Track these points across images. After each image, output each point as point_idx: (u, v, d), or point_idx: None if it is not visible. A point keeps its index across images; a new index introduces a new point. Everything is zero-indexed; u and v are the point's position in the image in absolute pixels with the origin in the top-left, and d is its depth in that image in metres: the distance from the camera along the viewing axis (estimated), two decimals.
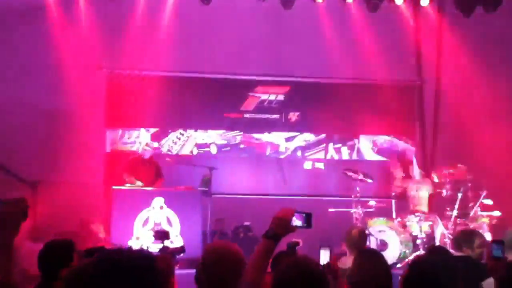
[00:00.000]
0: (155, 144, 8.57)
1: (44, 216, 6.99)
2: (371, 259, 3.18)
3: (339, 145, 9.22)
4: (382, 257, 3.31)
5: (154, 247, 6.07)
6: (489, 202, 7.42)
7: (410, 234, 7.29)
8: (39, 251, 3.26)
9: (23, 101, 8.39)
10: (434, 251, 4.18)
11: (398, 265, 7.00)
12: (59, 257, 3.15)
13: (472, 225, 7.12)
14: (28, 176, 7.26)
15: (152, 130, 8.91)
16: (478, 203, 7.45)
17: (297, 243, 3.37)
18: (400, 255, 7.05)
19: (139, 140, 8.83)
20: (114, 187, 7.09)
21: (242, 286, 2.38)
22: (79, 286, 1.59)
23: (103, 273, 1.57)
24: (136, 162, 7.53)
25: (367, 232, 6.98)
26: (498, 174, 8.07)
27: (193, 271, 2.80)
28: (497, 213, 7.39)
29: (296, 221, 2.27)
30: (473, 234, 4.56)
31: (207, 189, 7.27)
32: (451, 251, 6.14)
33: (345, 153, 9.22)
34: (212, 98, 8.99)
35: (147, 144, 7.96)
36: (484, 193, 7.43)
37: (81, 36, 8.47)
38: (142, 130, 8.88)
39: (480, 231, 6.96)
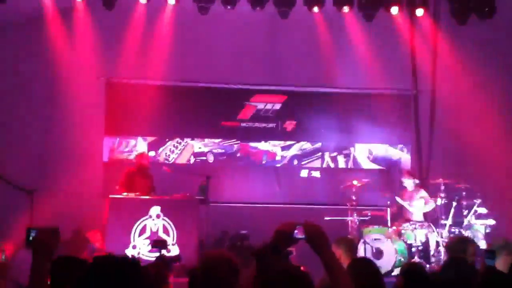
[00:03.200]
0: (152, 153, 8.62)
1: (41, 225, 7.01)
2: (364, 267, 3.23)
3: (335, 154, 9.27)
4: (374, 265, 3.36)
5: (151, 256, 6.11)
6: (483, 210, 7.47)
7: (405, 243, 7.33)
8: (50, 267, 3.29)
9: (22, 110, 8.45)
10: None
11: (394, 273, 7.04)
12: (69, 274, 3.18)
13: (466, 234, 7.17)
14: (25, 184, 7.27)
15: (150, 138, 8.96)
16: (472, 212, 7.51)
17: (290, 252, 3.42)
18: (395, 263, 7.08)
19: (136, 148, 8.88)
20: (111, 196, 7.11)
21: None
22: None
23: (96, 280, 1.74)
24: (132, 174, 7.52)
25: (362, 240, 7.05)
26: (492, 182, 8.13)
27: None
28: (491, 222, 7.44)
29: (298, 234, 2.30)
30: (466, 241, 4.59)
31: (203, 197, 7.29)
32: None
33: (341, 162, 9.28)
34: (209, 107, 9.05)
35: (143, 156, 7.92)
36: (478, 202, 7.48)
37: (79, 45, 8.54)
38: (140, 139, 8.93)
39: (475, 239, 7.02)
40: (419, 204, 7.76)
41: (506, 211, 7.88)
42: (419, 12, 8.51)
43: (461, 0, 8.22)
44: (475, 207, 7.48)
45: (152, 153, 8.86)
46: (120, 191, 7.23)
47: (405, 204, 7.74)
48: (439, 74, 9.17)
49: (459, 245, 4.49)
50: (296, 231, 2.29)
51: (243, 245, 7.58)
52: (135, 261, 1.93)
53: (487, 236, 7.34)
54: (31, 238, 2.41)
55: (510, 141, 8.59)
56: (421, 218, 7.73)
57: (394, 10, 8.34)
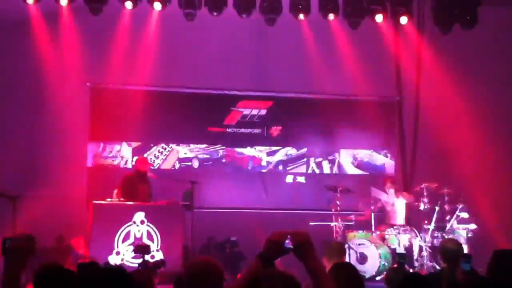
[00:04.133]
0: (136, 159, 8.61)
1: (24, 231, 6.93)
2: (344, 271, 3.25)
3: (320, 159, 9.33)
4: (355, 269, 3.40)
5: (134, 262, 6.08)
6: (465, 215, 7.59)
7: (389, 247, 7.40)
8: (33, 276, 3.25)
9: (5, 115, 8.38)
10: None
11: (378, 278, 7.09)
12: (52, 282, 3.16)
13: (449, 238, 7.25)
14: (8, 190, 7.20)
15: (134, 144, 8.92)
16: (454, 216, 7.61)
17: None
18: (379, 268, 7.14)
19: (121, 154, 8.84)
20: (95, 201, 7.06)
21: None
22: None
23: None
24: (133, 178, 7.48)
25: (346, 245, 7.10)
26: (474, 187, 8.25)
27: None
28: (473, 226, 7.55)
29: (289, 244, 2.26)
30: (461, 245, 4.59)
31: (188, 203, 7.28)
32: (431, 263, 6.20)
33: (326, 167, 9.34)
34: (195, 113, 9.05)
35: (143, 161, 7.91)
36: (460, 206, 7.59)
37: (64, 50, 8.50)
38: (124, 144, 8.89)
39: None
40: (401, 203, 7.84)
41: (488, 216, 8.01)
42: (403, 20, 8.62)
43: (445, 9, 8.35)
44: (457, 212, 7.59)
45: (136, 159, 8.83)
46: (118, 196, 7.18)
47: (384, 197, 7.83)
48: (423, 81, 9.29)
49: (458, 250, 4.45)
50: (287, 241, 2.26)
51: (233, 251, 7.56)
52: (121, 270, 1.91)
53: (469, 241, 7.45)
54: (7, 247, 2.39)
55: (492, 146, 8.73)
56: (403, 221, 7.82)
57: (379, 18, 8.44)
